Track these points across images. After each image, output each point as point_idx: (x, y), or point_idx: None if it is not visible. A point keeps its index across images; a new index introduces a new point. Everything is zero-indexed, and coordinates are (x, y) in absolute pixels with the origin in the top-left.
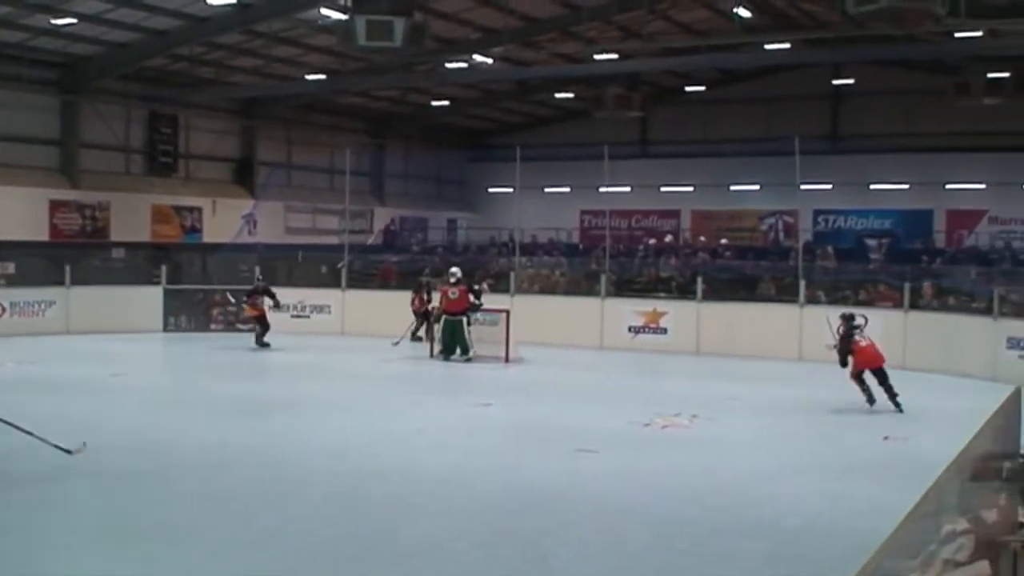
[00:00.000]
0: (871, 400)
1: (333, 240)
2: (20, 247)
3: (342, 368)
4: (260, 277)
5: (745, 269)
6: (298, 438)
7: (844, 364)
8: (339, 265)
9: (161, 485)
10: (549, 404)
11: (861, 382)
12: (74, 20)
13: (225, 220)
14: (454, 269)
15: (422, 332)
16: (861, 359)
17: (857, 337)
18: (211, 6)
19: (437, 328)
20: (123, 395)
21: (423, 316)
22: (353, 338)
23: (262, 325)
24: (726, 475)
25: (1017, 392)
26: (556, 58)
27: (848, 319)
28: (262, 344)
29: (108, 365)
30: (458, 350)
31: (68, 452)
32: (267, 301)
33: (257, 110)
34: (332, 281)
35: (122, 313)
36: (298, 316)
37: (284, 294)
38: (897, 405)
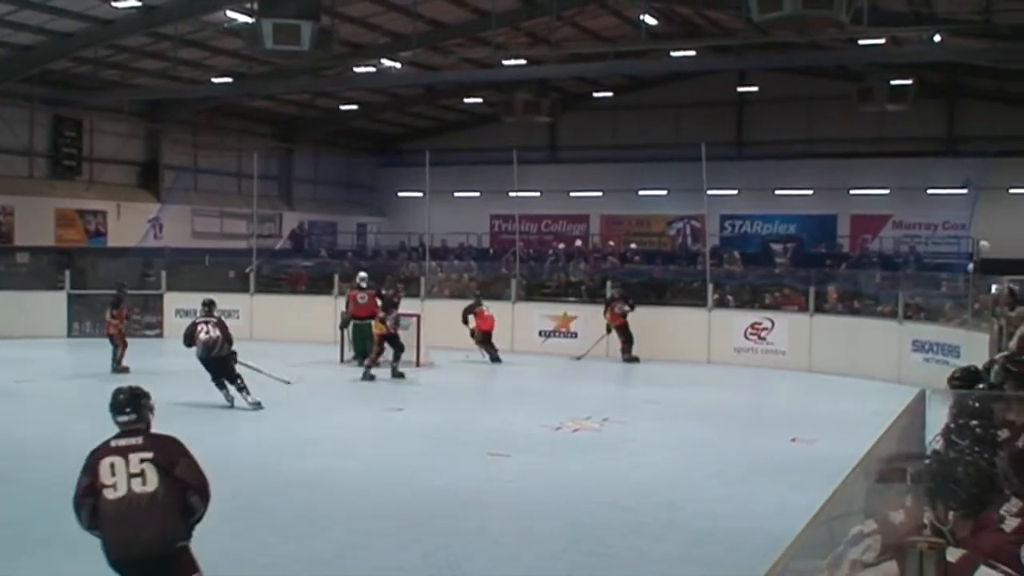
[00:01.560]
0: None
1: (241, 244)
2: None
3: (250, 374)
4: (124, 283)
5: (654, 273)
6: (203, 446)
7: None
8: (247, 269)
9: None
10: (461, 408)
11: None
12: None
13: (131, 224)
14: (362, 274)
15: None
16: None
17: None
18: (116, 9)
19: (347, 333)
20: (27, 401)
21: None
22: (262, 343)
23: (119, 344)
24: (637, 478)
25: (922, 394)
26: (465, 63)
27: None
28: (120, 369)
29: (11, 370)
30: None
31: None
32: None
33: (163, 113)
34: (240, 286)
35: (26, 318)
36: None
37: (191, 299)
38: None
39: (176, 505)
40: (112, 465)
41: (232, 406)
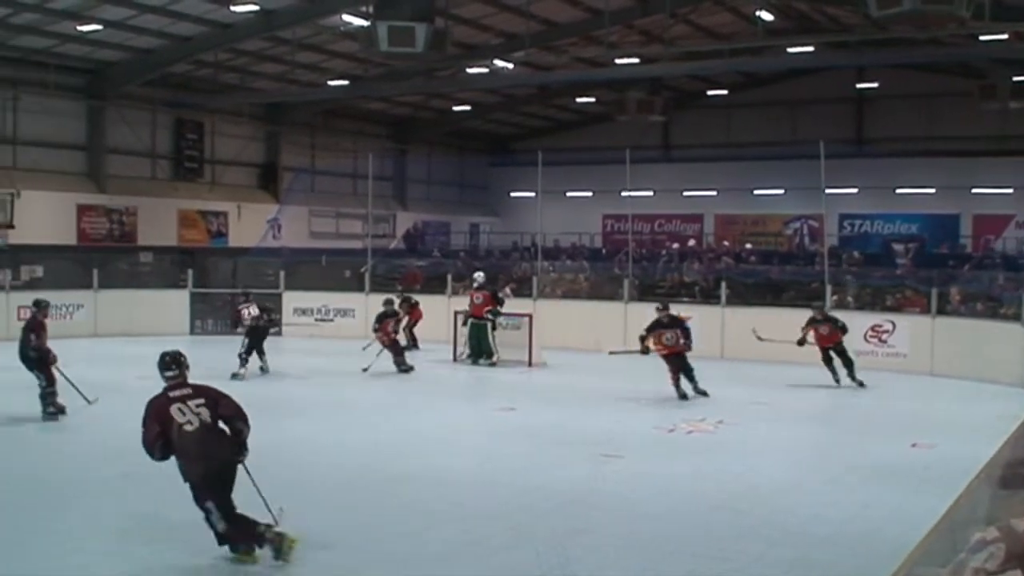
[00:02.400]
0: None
1: (357, 244)
2: (49, 251)
3: (364, 372)
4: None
5: (770, 274)
6: (323, 441)
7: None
8: (362, 269)
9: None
10: (573, 408)
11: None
12: (99, 27)
13: (250, 225)
14: (478, 274)
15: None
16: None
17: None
18: (234, 13)
19: (463, 332)
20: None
21: (392, 347)
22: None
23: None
24: (752, 481)
25: None
26: (578, 62)
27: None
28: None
29: (135, 368)
30: (483, 355)
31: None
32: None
33: (281, 116)
34: (356, 285)
35: (149, 316)
36: (322, 320)
37: (308, 298)
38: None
39: (226, 431)
40: (180, 409)
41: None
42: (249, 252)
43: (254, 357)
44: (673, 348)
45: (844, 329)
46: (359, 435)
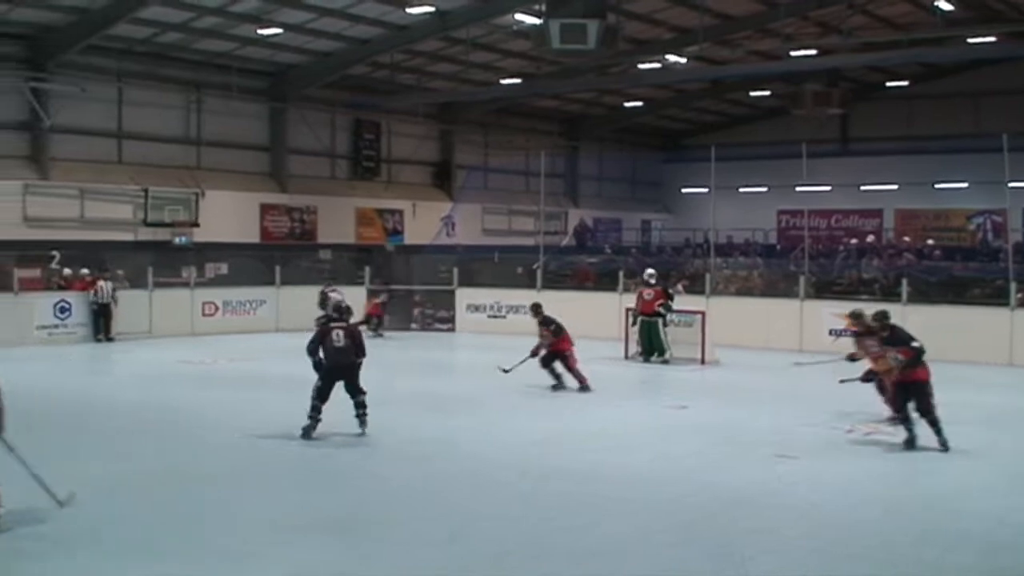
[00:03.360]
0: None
1: (529, 241)
2: (233, 248)
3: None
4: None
5: (953, 271)
6: (492, 435)
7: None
8: (534, 266)
9: (364, 478)
10: (746, 407)
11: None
12: (279, 30)
13: (425, 222)
14: (650, 271)
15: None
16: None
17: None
18: (410, 15)
19: (634, 330)
20: None
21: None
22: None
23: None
24: (932, 485)
25: None
26: (752, 56)
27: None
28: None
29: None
30: (655, 352)
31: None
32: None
33: (454, 115)
34: (528, 282)
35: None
36: (495, 316)
37: (481, 295)
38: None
39: (355, 348)
40: (337, 333)
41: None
42: (424, 249)
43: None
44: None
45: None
46: (526, 431)
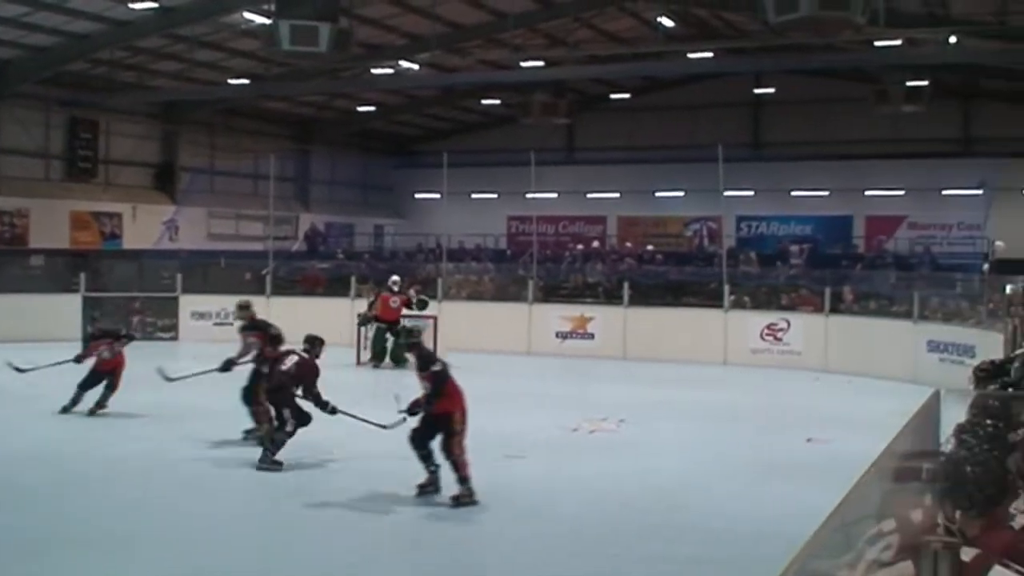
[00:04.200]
0: None
1: (257, 246)
2: None
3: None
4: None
5: (671, 275)
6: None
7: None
8: (263, 272)
9: (82, 496)
10: (477, 410)
11: None
12: None
13: (146, 226)
14: (395, 278)
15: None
16: None
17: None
18: (133, 10)
19: (363, 332)
20: (39, 404)
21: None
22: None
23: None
24: (654, 479)
25: (937, 394)
26: (482, 64)
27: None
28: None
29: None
30: (387, 358)
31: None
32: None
33: (179, 115)
34: (257, 288)
35: (40, 321)
36: (221, 324)
37: (206, 301)
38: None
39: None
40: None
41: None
42: (144, 254)
43: None
44: None
45: None
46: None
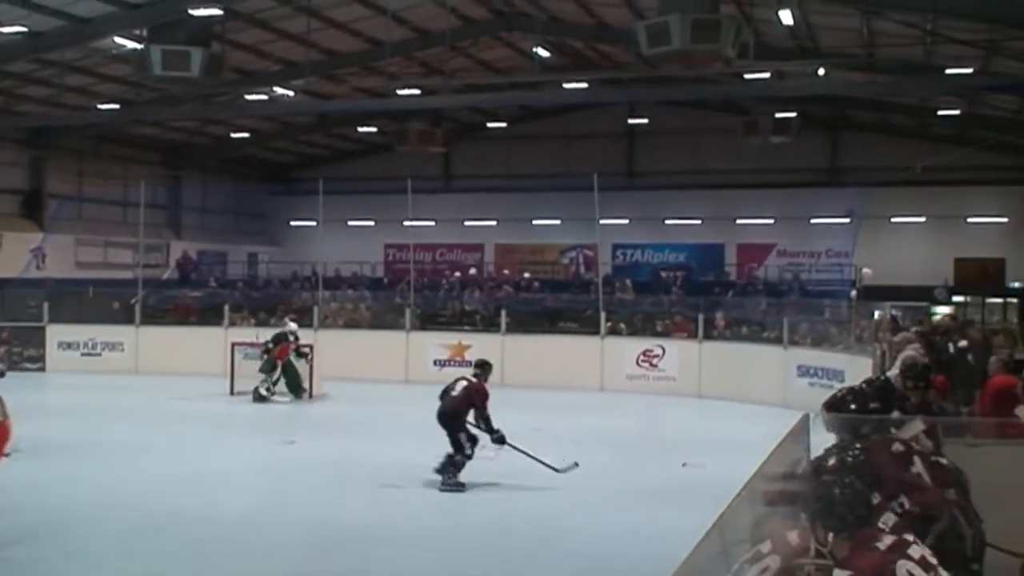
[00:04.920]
0: None
1: (127, 275)
2: None
3: (137, 408)
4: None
5: (547, 302)
6: (89, 482)
7: None
8: (133, 300)
9: None
10: (355, 439)
11: None
12: None
13: (12, 255)
14: (293, 327)
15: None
16: None
17: None
18: (1, 34)
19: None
20: None
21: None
22: (148, 376)
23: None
24: (532, 506)
25: (806, 418)
26: (358, 92)
27: None
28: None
29: None
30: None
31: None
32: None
33: (47, 140)
34: (126, 317)
35: None
36: (89, 354)
37: (74, 331)
38: None
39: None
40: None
41: None
42: (9, 283)
43: None
44: None
45: None
46: (128, 475)
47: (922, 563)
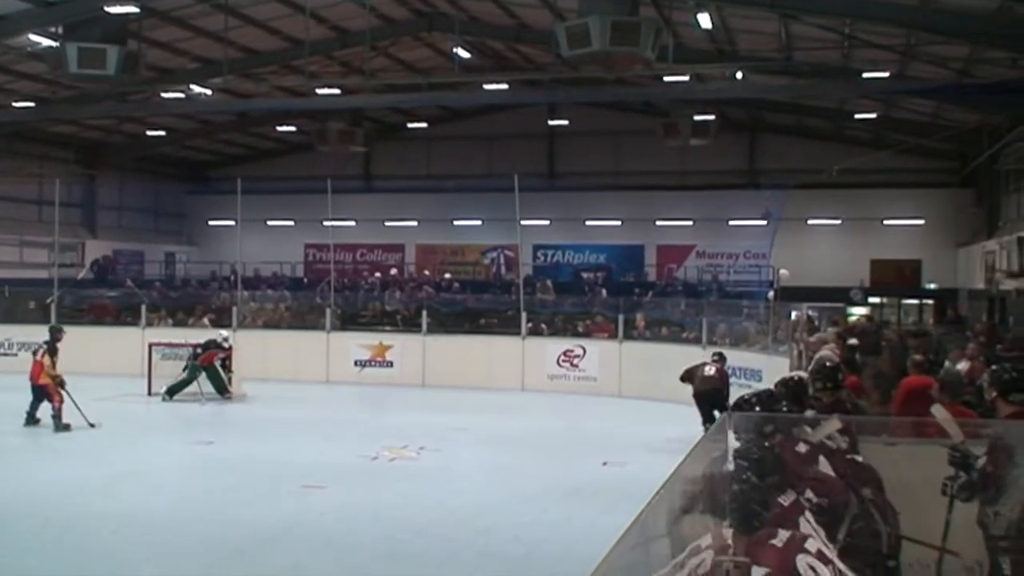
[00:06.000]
0: None
1: (42, 274)
2: None
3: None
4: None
5: (469, 302)
6: (4, 483)
7: None
8: (48, 300)
9: None
10: (274, 440)
11: None
12: None
13: None
14: (225, 334)
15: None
16: None
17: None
18: None
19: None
20: None
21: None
22: (65, 376)
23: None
24: (453, 506)
25: (725, 417)
26: (278, 91)
27: None
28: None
29: None
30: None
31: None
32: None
33: None
34: (41, 317)
35: None
36: (5, 355)
37: None
38: None
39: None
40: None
41: None
42: None
43: None
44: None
45: None
46: (43, 478)
47: (819, 556)
